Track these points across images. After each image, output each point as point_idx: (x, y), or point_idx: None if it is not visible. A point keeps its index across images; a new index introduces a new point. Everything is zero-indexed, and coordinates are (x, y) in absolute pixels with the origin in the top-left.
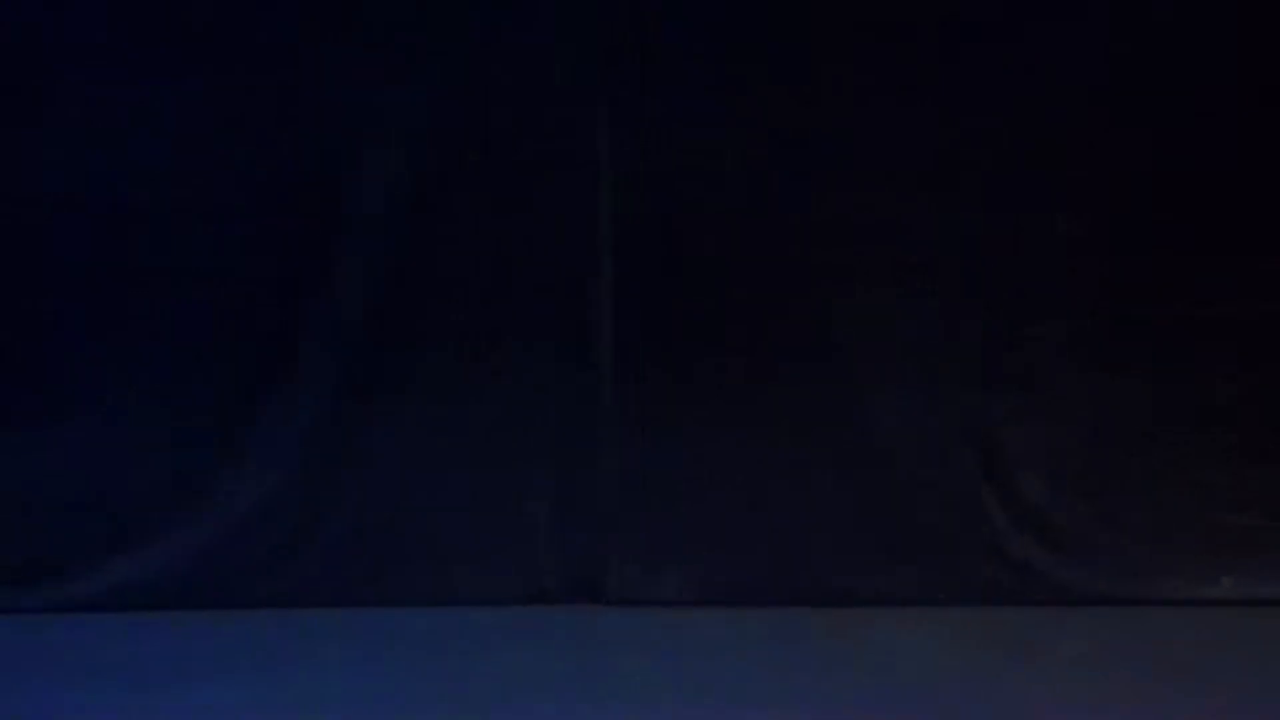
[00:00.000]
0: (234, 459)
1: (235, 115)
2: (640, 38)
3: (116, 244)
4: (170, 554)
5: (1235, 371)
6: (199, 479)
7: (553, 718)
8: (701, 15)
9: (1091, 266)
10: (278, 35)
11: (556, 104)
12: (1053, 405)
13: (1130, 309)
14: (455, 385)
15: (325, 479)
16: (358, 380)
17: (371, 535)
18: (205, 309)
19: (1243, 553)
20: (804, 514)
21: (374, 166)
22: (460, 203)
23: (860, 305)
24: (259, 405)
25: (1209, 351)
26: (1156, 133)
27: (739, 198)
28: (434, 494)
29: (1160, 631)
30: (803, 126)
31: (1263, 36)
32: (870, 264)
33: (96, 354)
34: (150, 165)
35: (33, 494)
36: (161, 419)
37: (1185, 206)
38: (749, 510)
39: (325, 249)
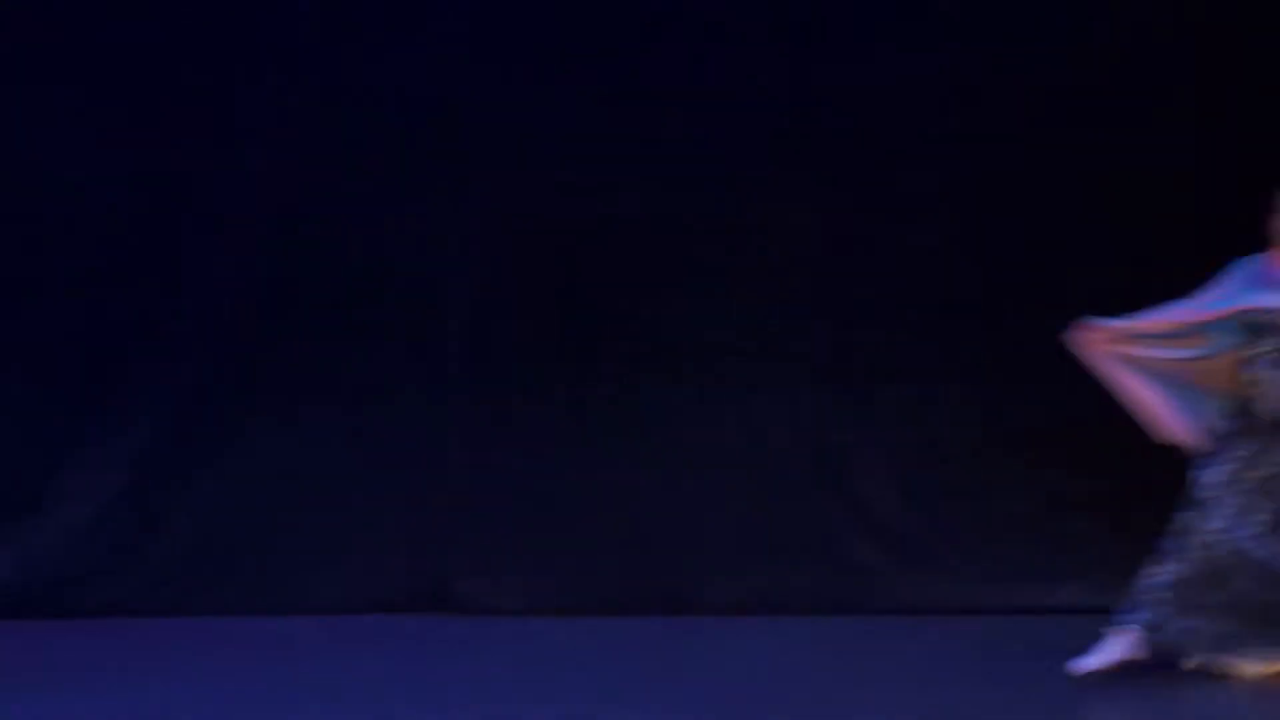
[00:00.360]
0: (71, 468)
1: (80, 129)
2: (490, 48)
3: None
4: (3, 563)
5: (1070, 385)
6: (34, 487)
7: None
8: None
9: (934, 278)
10: (135, 40)
11: (420, 118)
12: (892, 415)
13: (968, 322)
14: (299, 397)
15: (165, 487)
16: (198, 390)
17: (213, 543)
18: (43, 318)
19: (1077, 562)
20: (648, 523)
21: (219, 182)
22: (306, 218)
23: (700, 313)
24: (95, 415)
25: (1044, 365)
26: (996, 147)
27: (581, 208)
28: (278, 502)
29: (996, 639)
30: (646, 135)
31: (1092, 59)
32: (711, 272)
33: None
34: None
35: None
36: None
37: (1024, 222)
38: (594, 520)
39: (168, 258)
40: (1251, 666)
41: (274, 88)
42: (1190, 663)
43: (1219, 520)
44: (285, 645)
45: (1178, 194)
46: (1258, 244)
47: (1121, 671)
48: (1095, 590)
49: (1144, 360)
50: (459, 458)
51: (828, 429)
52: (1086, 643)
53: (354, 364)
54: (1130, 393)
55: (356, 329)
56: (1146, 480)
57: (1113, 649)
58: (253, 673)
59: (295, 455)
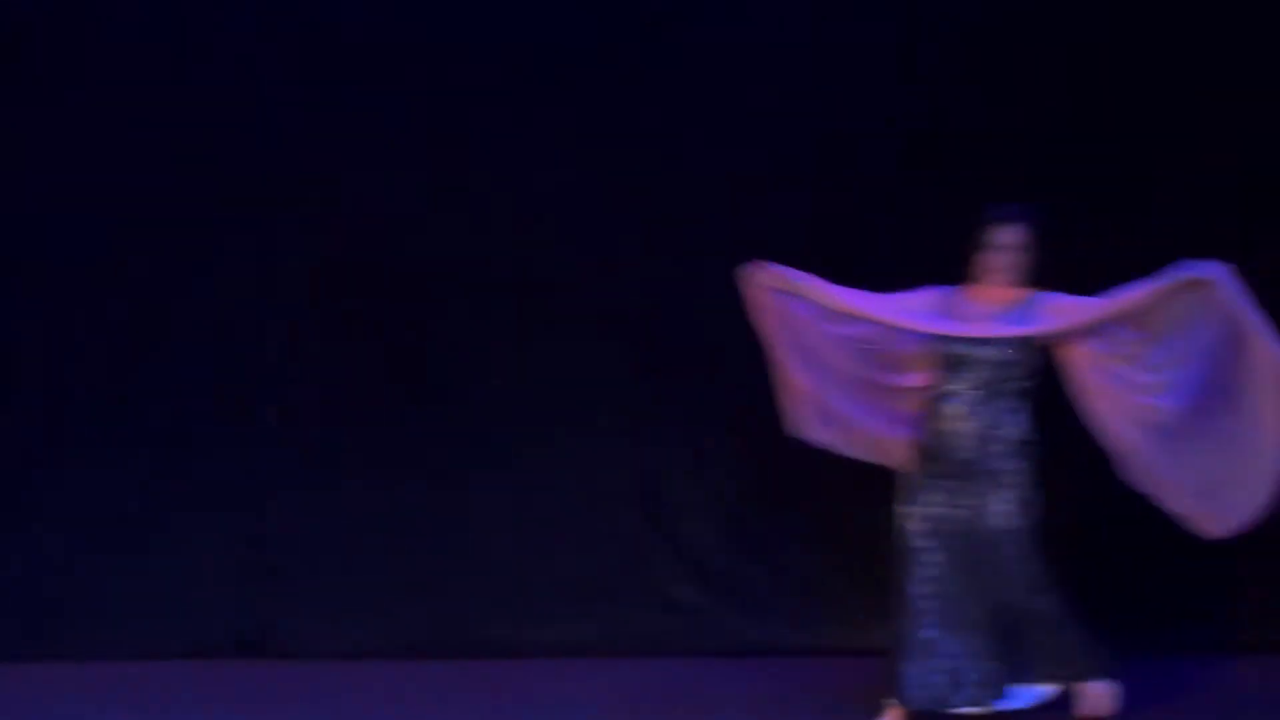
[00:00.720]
0: None
1: None
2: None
3: None
4: None
5: None
6: None
7: None
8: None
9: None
10: None
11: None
12: (721, 461)
13: None
14: (118, 441)
15: None
16: (13, 436)
17: (31, 591)
18: None
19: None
20: (473, 566)
21: (17, 236)
22: (119, 259)
23: (525, 357)
24: None
25: None
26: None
27: (399, 251)
28: (96, 548)
29: (826, 679)
30: (461, 180)
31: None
32: (532, 317)
33: None
34: None
35: None
36: None
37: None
38: (419, 563)
39: None
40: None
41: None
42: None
43: (930, 569)
44: (97, 692)
45: None
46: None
47: None
48: None
49: (826, 356)
50: (281, 502)
51: (657, 474)
52: None
53: (167, 405)
54: (787, 374)
55: (172, 376)
56: None
57: None
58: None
59: (107, 499)
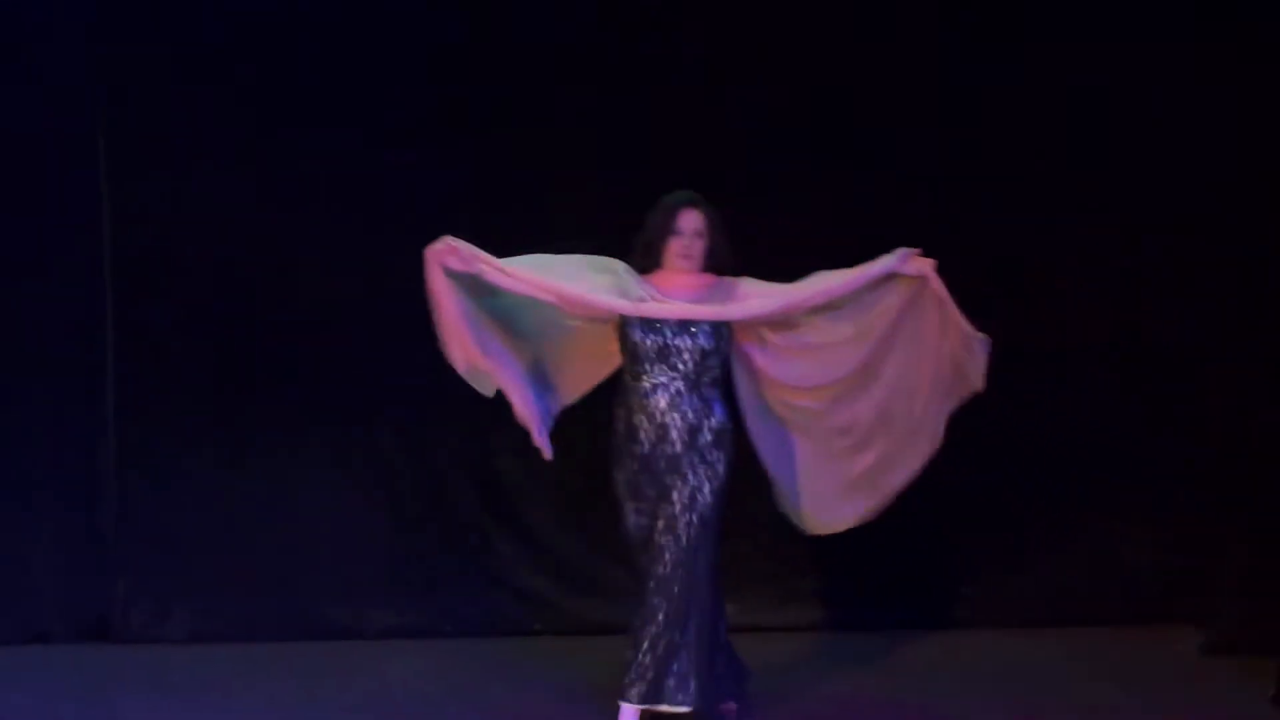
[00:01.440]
0: None
1: None
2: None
3: None
4: None
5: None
6: None
7: None
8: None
9: None
10: None
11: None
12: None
13: None
14: None
15: None
16: None
17: None
18: None
19: (738, 581)
20: (307, 548)
21: None
22: None
23: (354, 342)
24: None
25: None
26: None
27: (231, 240)
28: None
29: None
30: (311, 172)
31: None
32: (360, 305)
33: None
34: None
35: None
36: None
37: None
38: (253, 546)
39: None
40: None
41: None
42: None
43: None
44: None
45: None
46: None
47: None
48: (748, 609)
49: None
50: (122, 487)
51: (495, 462)
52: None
53: (9, 396)
54: (445, 316)
55: (11, 361)
56: None
57: None
58: None
59: None
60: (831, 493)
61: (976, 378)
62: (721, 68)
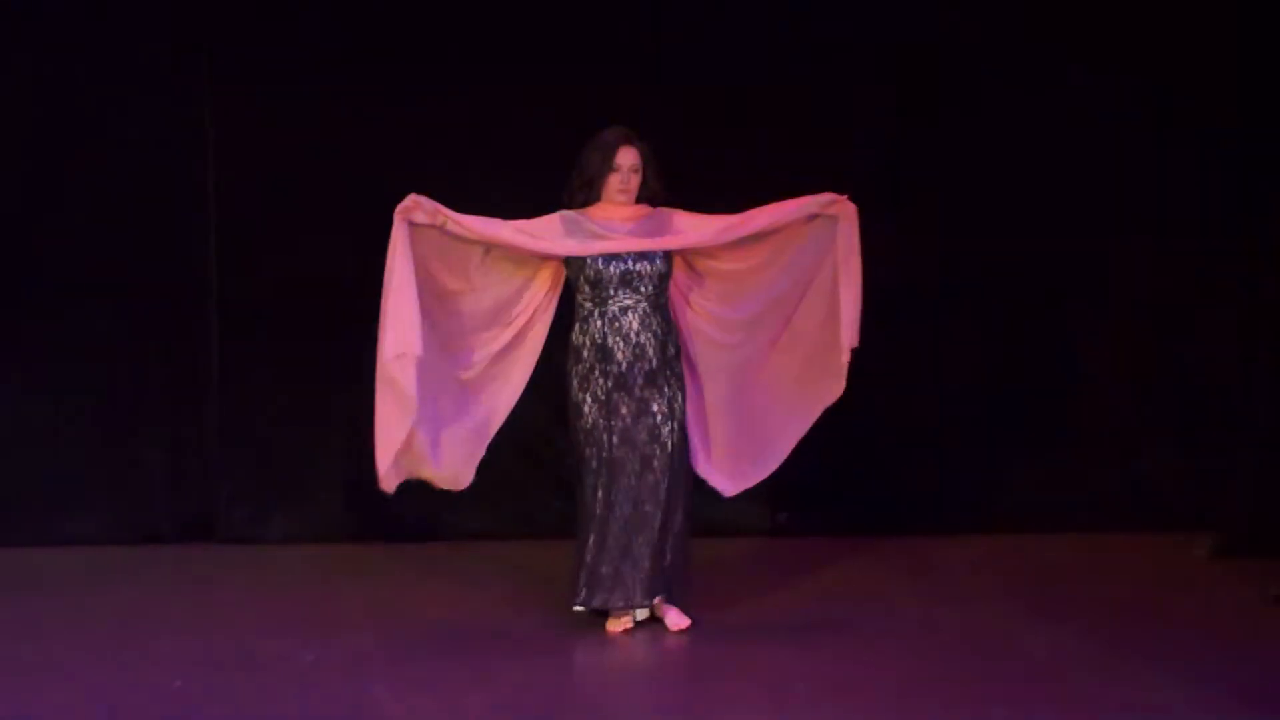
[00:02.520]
0: None
1: None
2: None
3: None
4: None
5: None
6: None
7: (169, 647)
8: None
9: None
10: None
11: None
12: None
13: None
14: (66, 343)
15: None
16: None
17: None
18: None
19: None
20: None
21: None
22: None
23: None
24: None
25: None
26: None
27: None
28: (47, 444)
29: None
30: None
31: None
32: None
33: None
34: None
35: None
36: None
37: None
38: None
39: None
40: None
41: None
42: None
43: (603, 474)
44: (38, 576)
45: None
46: None
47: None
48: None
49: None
50: (216, 406)
51: None
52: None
53: (116, 315)
54: (395, 289)
55: (119, 283)
56: None
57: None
58: (39, 603)
59: (66, 402)
60: (731, 451)
61: (852, 333)
62: None
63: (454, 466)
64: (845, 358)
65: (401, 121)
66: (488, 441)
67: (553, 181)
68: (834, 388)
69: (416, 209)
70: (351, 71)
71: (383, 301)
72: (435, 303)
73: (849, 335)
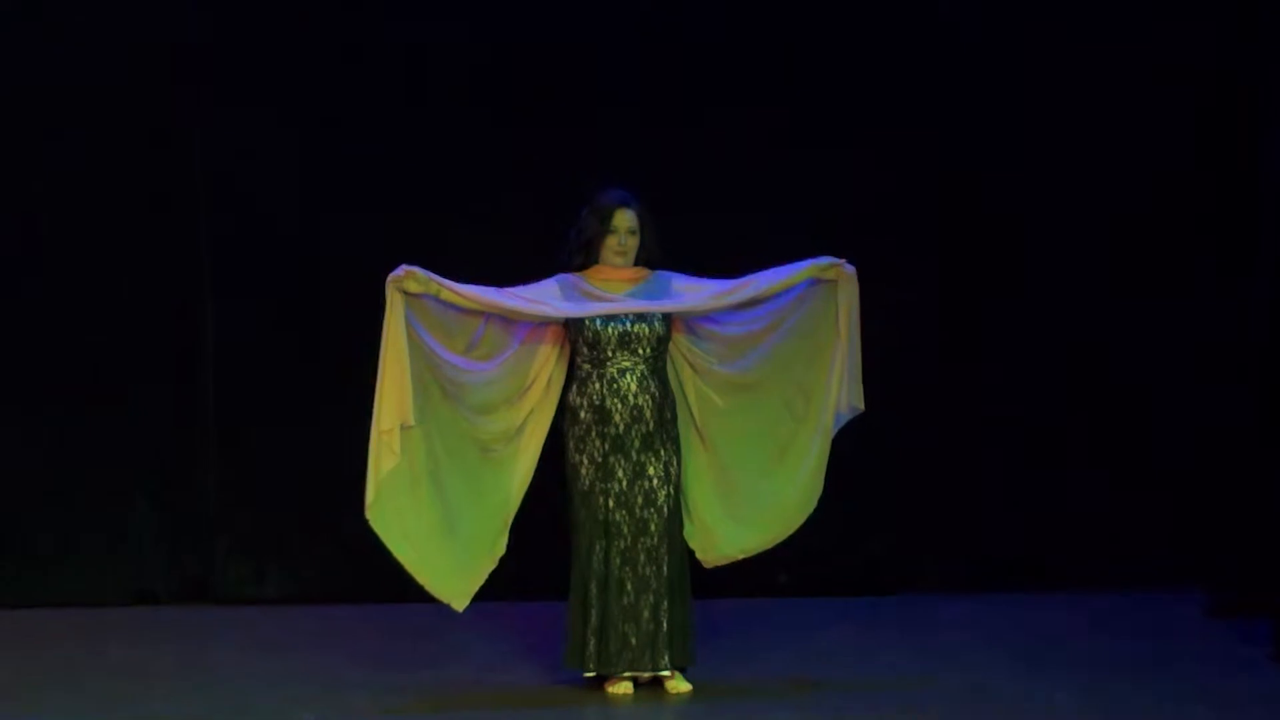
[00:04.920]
0: None
1: None
2: None
3: None
4: None
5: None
6: None
7: (162, 708)
8: None
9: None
10: None
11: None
12: None
13: None
14: (62, 404)
15: None
16: None
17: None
18: None
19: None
20: None
21: None
22: (71, 230)
23: None
24: None
25: None
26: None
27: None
28: (43, 503)
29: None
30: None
31: None
32: None
33: None
34: None
35: None
36: None
37: None
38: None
39: None
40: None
41: None
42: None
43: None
44: (34, 635)
45: None
46: None
47: None
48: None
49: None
50: (213, 462)
51: None
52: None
53: (114, 372)
54: (388, 364)
55: (116, 340)
56: None
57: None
58: (18, 661)
59: (61, 459)
60: (728, 518)
61: (857, 396)
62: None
63: (480, 549)
64: (828, 419)
65: (397, 176)
66: (510, 518)
67: (548, 244)
68: (823, 445)
69: (409, 278)
70: (342, 119)
71: (378, 371)
72: (437, 374)
73: (847, 398)
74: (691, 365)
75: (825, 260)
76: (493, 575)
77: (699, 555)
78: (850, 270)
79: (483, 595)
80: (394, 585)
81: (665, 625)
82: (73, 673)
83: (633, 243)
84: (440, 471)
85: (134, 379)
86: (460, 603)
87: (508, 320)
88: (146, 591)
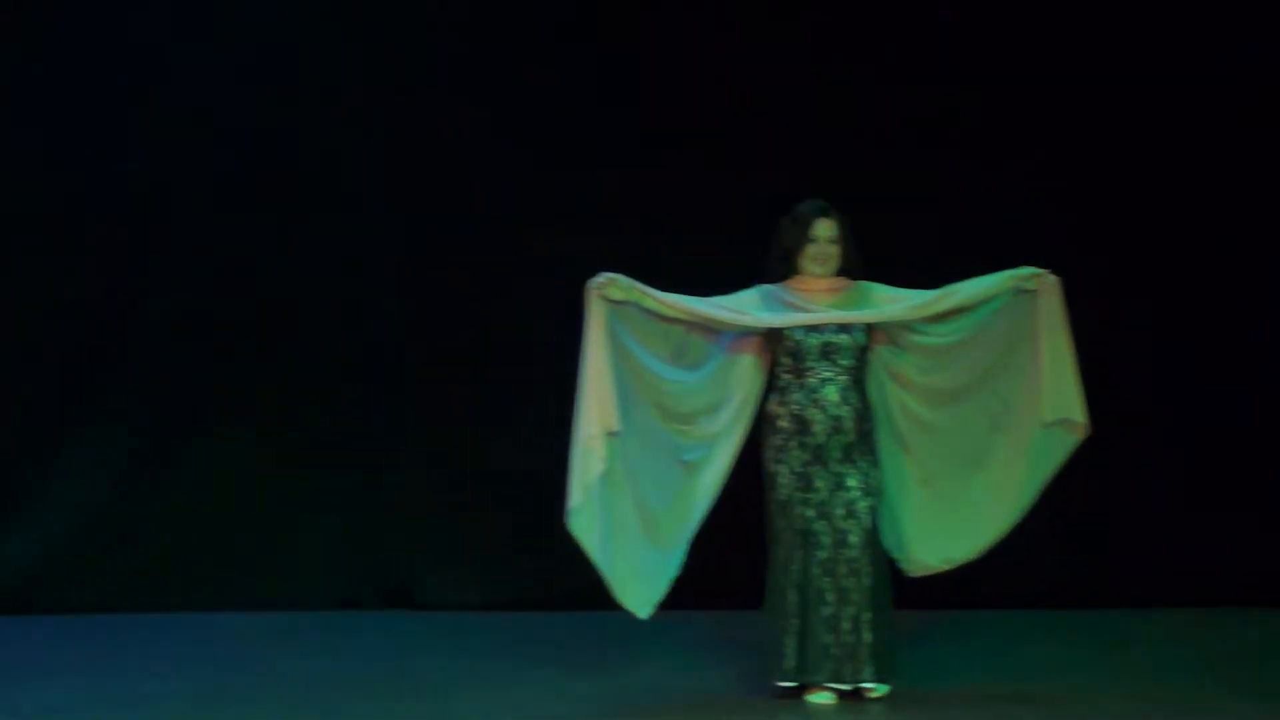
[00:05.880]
0: (53, 478)
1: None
2: None
3: None
4: None
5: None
6: (19, 496)
7: (363, 714)
8: None
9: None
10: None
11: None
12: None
13: None
14: (266, 412)
15: (138, 493)
16: (168, 402)
17: (184, 546)
18: (25, 337)
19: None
20: None
21: (186, 210)
22: (265, 246)
23: None
24: (72, 429)
25: None
26: None
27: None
28: (249, 509)
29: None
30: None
31: None
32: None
33: None
34: None
35: None
36: None
37: None
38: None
39: (139, 283)
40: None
41: None
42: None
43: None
44: (236, 639)
45: None
46: None
47: None
48: None
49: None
50: (416, 470)
51: None
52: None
53: (318, 383)
54: (592, 371)
55: (320, 353)
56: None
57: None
58: (238, 667)
59: (268, 468)
60: (935, 529)
61: (1069, 408)
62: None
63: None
64: (1031, 430)
65: (594, 192)
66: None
67: (749, 256)
68: (1047, 464)
69: (611, 285)
70: (540, 141)
71: (581, 378)
72: (640, 381)
73: (1051, 409)
74: (894, 376)
75: (1027, 270)
76: (686, 583)
77: (902, 565)
78: (1052, 280)
79: (674, 603)
80: (593, 592)
81: (866, 637)
82: (274, 677)
83: (833, 251)
84: (637, 478)
85: (339, 382)
86: (644, 610)
87: (710, 330)
88: (349, 596)
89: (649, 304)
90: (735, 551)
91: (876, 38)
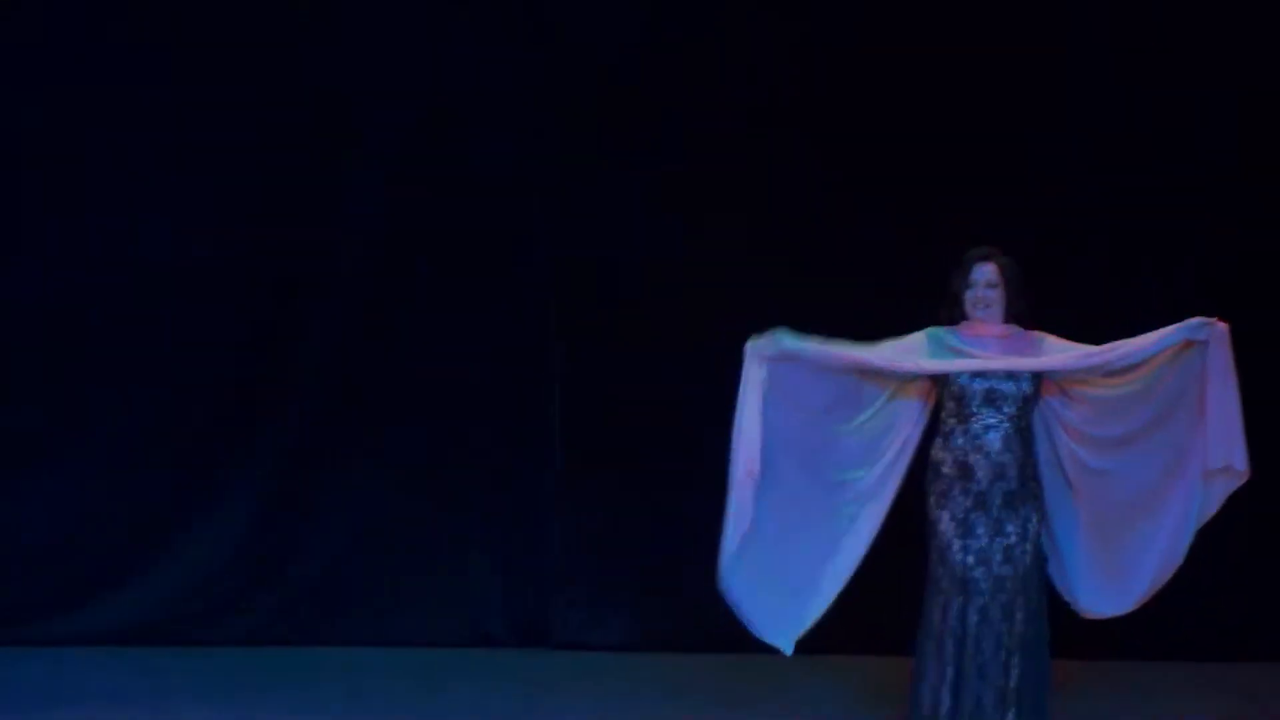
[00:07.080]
0: (200, 513)
1: (199, 192)
2: None
3: (78, 305)
4: (144, 596)
5: None
6: (167, 531)
7: None
8: None
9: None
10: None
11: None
12: None
13: None
14: (408, 448)
15: (284, 529)
16: (314, 440)
17: (328, 581)
18: (172, 372)
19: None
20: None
21: (338, 250)
22: (420, 276)
23: None
24: (222, 465)
25: None
26: None
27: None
28: (388, 545)
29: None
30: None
31: None
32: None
33: (66, 411)
34: (116, 232)
35: (11, 542)
36: (134, 479)
37: None
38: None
39: (290, 325)
40: None
41: None
42: None
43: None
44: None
45: None
46: None
47: None
48: None
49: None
50: (557, 506)
51: None
52: None
53: (458, 421)
54: (746, 418)
55: (461, 389)
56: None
57: None
58: (377, 701)
59: (407, 504)
60: (1104, 574)
61: (1234, 455)
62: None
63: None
64: (1197, 476)
65: (758, 245)
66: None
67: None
68: (1204, 511)
69: (770, 345)
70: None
71: (735, 429)
72: (797, 433)
73: (1217, 456)
74: (1063, 425)
75: (1197, 321)
76: (832, 627)
77: (1074, 608)
78: (1222, 328)
79: (820, 648)
80: (734, 635)
81: (1014, 682)
82: (411, 713)
83: (993, 296)
84: (788, 526)
85: (478, 419)
86: (788, 646)
87: (872, 374)
88: (485, 633)
89: (811, 357)
90: (885, 596)
91: None
